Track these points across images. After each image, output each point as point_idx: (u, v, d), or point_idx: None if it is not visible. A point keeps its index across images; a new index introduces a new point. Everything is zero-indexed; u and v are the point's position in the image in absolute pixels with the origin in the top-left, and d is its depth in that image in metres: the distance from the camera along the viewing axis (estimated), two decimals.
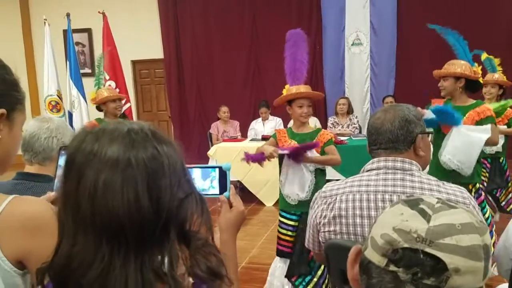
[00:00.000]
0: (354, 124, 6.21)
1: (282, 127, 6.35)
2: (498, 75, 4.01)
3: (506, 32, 6.95)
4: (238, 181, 5.48)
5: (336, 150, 2.85)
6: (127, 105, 6.31)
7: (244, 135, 6.55)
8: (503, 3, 6.92)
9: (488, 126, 2.80)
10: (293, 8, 7.76)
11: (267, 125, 6.43)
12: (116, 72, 6.24)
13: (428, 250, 0.61)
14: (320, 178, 2.85)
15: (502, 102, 3.69)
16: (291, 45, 3.06)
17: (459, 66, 2.94)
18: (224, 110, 6.44)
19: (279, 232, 2.91)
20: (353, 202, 1.41)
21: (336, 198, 1.45)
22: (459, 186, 1.43)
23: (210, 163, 5.61)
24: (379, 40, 7.41)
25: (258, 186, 5.36)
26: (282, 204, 2.94)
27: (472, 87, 2.97)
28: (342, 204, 1.42)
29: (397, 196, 1.37)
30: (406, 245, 0.62)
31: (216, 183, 1.02)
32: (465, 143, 2.75)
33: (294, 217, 2.82)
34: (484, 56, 4.10)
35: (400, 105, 1.52)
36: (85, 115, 6.02)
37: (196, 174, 1.02)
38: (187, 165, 0.99)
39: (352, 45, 7.55)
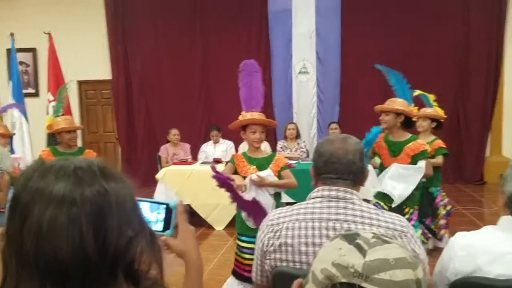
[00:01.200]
0: (302, 148, 6.38)
1: (233, 150, 6.41)
2: (430, 110, 4.26)
3: (446, 70, 7.50)
4: (188, 205, 5.43)
5: (291, 174, 3.01)
6: None
7: (195, 157, 6.52)
8: (443, 42, 7.47)
9: (423, 162, 3.14)
10: (242, 35, 7.94)
11: (218, 148, 6.45)
12: None
13: (364, 285, 0.63)
14: (278, 201, 3.01)
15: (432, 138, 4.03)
16: (245, 74, 3.24)
17: (399, 104, 3.27)
18: (174, 133, 6.39)
19: (238, 255, 2.96)
20: (299, 230, 1.46)
21: (282, 226, 1.49)
22: (398, 215, 1.52)
23: (159, 187, 5.53)
24: (324, 69, 7.75)
25: (208, 210, 5.32)
26: (240, 228, 3.00)
27: (408, 123, 3.31)
28: (288, 232, 1.47)
29: (339, 224, 1.44)
30: (344, 280, 0.64)
31: (161, 219, 0.99)
32: (401, 182, 3.12)
33: (254, 240, 2.85)
34: (417, 92, 4.41)
35: (351, 137, 1.60)
36: (26, 137, 5.76)
37: (141, 207, 0.98)
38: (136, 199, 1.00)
39: (299, 73, 7.83)
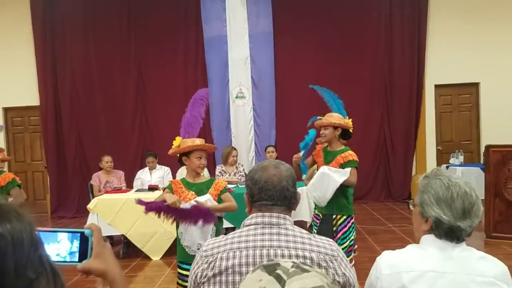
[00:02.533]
0: (241, 172, 6.41)
1: (170, 176, 6.30)
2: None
3: (373, 94, 7.97)
4: (122, 235, 5.23)
5: (231, 197, 2.99)
6: None
7: (130, 185, 6.32)
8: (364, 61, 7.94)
9: (349, 169, 3.39)
10: (179, 60, 7.96)
11: (154, 174, 6.30)
12: None
13: None
14: (219, 224, 3.00)
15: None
16: (193, 102, 3.25)
17: (336, 118, 3.57)
18: (106, 160, 6.17)
19: (180, 285, 2.91)
20: (233, 259, 1.45)
21: (217, 257, 1.47)
22: (329, 239, 1.56)
23: (90, 218, 5.27)
24: (260, 93, 7.93)
25: (144, 240, 5.14)
26: (181, 256, 2.94)
27: (345, 135, 3.59)
28: (223, 262, 1.45)
29: (273, 250, 1.45)
30: None
31: (76, 250, 0.96)
32: (324, 181, 3.37)
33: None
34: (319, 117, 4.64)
35: (283, 163, 1.62)
36: None
37: (53, 239, 0.94)
38: (44, 229, 0.93)
39: (236, 97, 7.94)
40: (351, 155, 3.45)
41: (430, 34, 7.89)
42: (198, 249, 2.80)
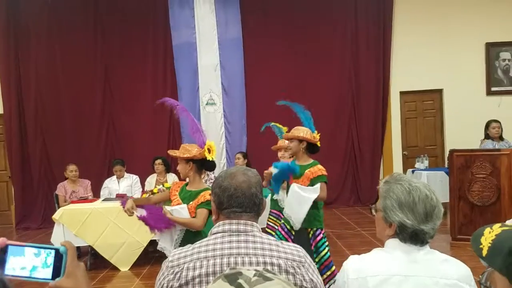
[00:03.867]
0: (212, 179, 6.35)
1: (139, 184, 6.20)
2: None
3: (340, 100, 8.11)
4: (90, 246, 5.09)
5: (204, 215, 2.86)
6: None
7: (97, 194, 6.16)
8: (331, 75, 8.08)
9: (318, 185, 3.39)
10: (147, 67, 7.87)
11: (122, 183, 6.17)
12: None
13: None
14: (191, 237, 2.86)
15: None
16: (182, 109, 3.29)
17: (302, 131, 3.56)
18: (71, 169, 6.01)
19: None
20: (200, 269, 1.42)
21: (183, 267, 1.44)
22: (296, 245, 1.57)
23: (56, 228, 5.10)
24: (230, 100, 7.93)
25: (112, 250, 5.00)
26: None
27: (312, 149, 3.59)
28: (189, 272, 1.42)
29: (241, 258, 1.44)
30: None
31: (49, 266, 0.93)
32: (297, 201, 3.37)
33: None
34: (272, 124, 4.69)
35: (250, 169, 1.62)
36: None
37: (28, 252, 0.92)
38: (17, 243, 0.92)
39: (206, 104, 7.91)
40: (320, 170, 3.46)
41: (395, 42, 8.10)
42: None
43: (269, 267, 1.43)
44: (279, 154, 4.95)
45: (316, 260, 3.37)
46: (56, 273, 0.93)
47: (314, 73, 7.96)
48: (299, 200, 3.35)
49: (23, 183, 7.81)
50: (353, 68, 8.12)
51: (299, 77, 7.89)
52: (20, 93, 7.78)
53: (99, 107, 7.87)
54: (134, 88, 7.77)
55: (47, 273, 0.93)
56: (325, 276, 3.37)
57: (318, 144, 3.65)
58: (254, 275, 0.71)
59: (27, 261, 0.92)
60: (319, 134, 3.73)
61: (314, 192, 3.36)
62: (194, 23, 7.77)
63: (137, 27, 7.82)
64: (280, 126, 5.14)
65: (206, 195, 2.88)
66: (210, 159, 2.99)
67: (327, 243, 3.52)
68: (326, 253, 3.45)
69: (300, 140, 3.53)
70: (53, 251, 0.94)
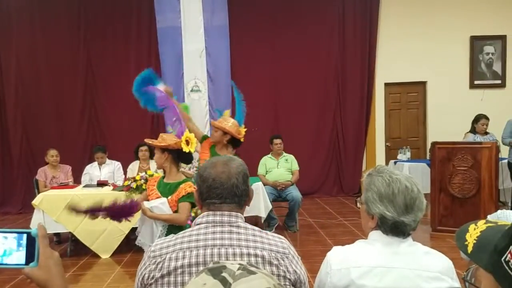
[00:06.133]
0: (197, 167, 6.32)
1: (121, 171, 6.13)
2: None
3: (326, 91, 8.09)
4: (70, 232, 5.02)
5: (187, 209, 2.76)
6: None
7: (77, 180, 6.07)
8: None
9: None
10: (131, 51, 7.73)
11: (104, 169, 6.08)
12: None
13: None
14: (176, 231, 2.74)
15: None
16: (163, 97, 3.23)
17: (230, 124, 3.57)
18: (52, 154, 5.90)
19: None
20: (183, 259, 1.40)
21: (165, 257, 1.42)
22: (280, 236, 1.56)
23: (35, 214, 5.02)
24: (215, 87, 7.85)
25: (93, 237, 4.94)
26: None
27: (235, 143, 3.64)
28: (172, 263, 1.40)
29: (224, 249, 1.43)
30: None
31: (22, 251, 0.89)
32: None
33: None
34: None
35: (235, 158, 1.58)
36: None
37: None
38: None
39: (191, 91, 7.82)
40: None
41: (381, 34, 8.12)
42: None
43: (252, 259, 1.42)
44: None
45: None
46: (30, 258, 0.89)
47: (300, 63, 7.93)
48: None
49: (3, 167, 7.68)
50: (340, 58, 8.11)
51: (286, 67, 7.87)
52: (0, 77, 7.58)
53: (81, 92, 7.74)
54: (117, 73, 7.62)
55: (20, 258, 0.89)
56: None
57: (242, 140, 3.65)
58: (238, 269, 0.70)
59: None
60: (245, 129, 3.74)
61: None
62: (179, 7, 7.62)
63: (121, 9, 7.66)
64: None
65: (187, 188, 2.79)
66: (187, 151, 2.90)
67: None
68: None
69: (224, 132, 3.53)
70: (24, 235, 0.90)
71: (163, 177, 2.96)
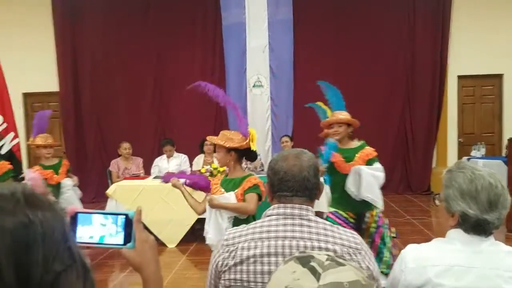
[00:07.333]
0: (258, 161, 6.39)
1: (188, 164, 6.32)
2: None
3: (393, 85, 7.84)
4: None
5: (255, 199, 2.72)
6: (16, 140, 5.82)
7: (148, 172, 6.36)
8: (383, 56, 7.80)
9: (379, 164, 3.34)
10: (196, 48, 7.93)
11: (171, 162, 6.32)
12: (3, 105, 5.75)
13: None
14: (243, 222, 2.70)
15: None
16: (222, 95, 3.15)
17: (348, 115, 3.48)
18: (125, 147, 6.22)
19: None
20: (255, 249, 1.43)
21: (238, 246, 1.45)
22: (352, 232, 1.53)
23: (109, 203, 5.34)
24: (278, 82, 7.86)
25: (161, 227, 5.16)
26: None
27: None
28: (244, 252, 1.44)
29: (296, 241, 1.43)
30: None
31: (120, 232, 0.92)
32: (375, 181, 3.26)
33: None
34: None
35: (306, 151, 1.58)
36: None
37: (96, 220, 0.92)
38: (86, 210, 0.94)
39: (253, 86, 7.89)
40: (373, 151, 3.40)
41: (454, 25, 7.71)
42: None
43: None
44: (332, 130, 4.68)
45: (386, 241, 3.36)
46: (127, 239, 0.93)
47: (366, 56, 7.71)
48: (376, 180, 3.28)
49: (78, 158, 8.16)
50: (409, 49, 7.79)
51: (351, 59, 7.68)
52: (76, 72, 8.08)
53: (150, 87, 8.05)
54: (182, 70, 7.86)
55: (118, 239, 0.93)
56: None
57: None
58: (327, 259, 0.70)
59: (95, 228, 0.92)
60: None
61: (381, 171, 3.32)
62: (244, 2, 7.70)
63: (188, 6, 7.85)
64: (325, 107, 4.88)
65: (252, 180, 2.77)
66: (254, 150, 2.86)
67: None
68: (390, 235, 3.44)
69: (348, 125, 3.45)
70: (122, 216, 0.93)
71: (226, 175, 2.95)
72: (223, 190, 2.84)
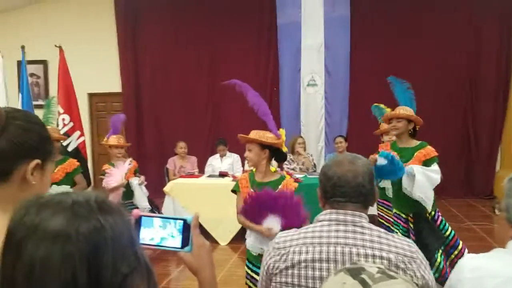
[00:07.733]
0: (310, 162, 6.34)
1: (239, 163, 6.40)
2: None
3: (455, 84, 7.49)
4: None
5: None
6: (81, 139, 6.18)
7: (202, 171, 6.52)
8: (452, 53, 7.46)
9: (436, 166, 3.20)
10: (251, 47, 7.98)
11: (224, 161, 6.45)
12: (71, 105, 6.13)
13: None
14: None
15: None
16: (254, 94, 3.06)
17: (410, 111, 3.33)
18: (181, 146, 6.42)
19: (248, 285, 2.80)
20: (306, 254, 1.43)
21: (289, 250, 1.46)
22: (408, 239, 1.50)
23: (166, 200, 5.53)
24: (333, 82, 7.74)
25: (213, 224, 5.28)
26: (248, 254, 2.82)
27: (414, 132, 3.38)
28: (295, 256, 1.44)
29: (348, 248, 1.41)
30: None
31: (178, 236, 0.97)
32: (428, 182, 3.14)
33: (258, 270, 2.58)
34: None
35: (360, 157, 1.55)
36: None
37: (157, 224, 0.98)
38: (150, 214, 0.99)
39: (307, 85, 7.83)
40: (432, 151, 3.25)
41: None
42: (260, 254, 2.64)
43: (377, 260, 1.39)
44: (386, 138, 4.68)
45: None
46: (185, 242, 0.97)
47: (426, 54, 7.38)
48: (429, 181, 3.15)
49: (138, 156, 8.47)
50: (473, 49, 7.39)
51: (411, 59, 7.36)
52: (137, 73, 8.41)
53: (205, 87, 8.18)
54: (236, 71, 7.93)
55: (176, 242, 0.98)
56: (453, 256, 3.27)
57: (417, 127, 3.42)
58: (378, 272, 0.69)
59: (156, 230, 0.98)
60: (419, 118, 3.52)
61: (437, 173, 3.18)
62: (300, 1, 7.66)
63: (243, 6, 7.89)
64: (383, 106, 4.82)
65: (288, 186, 2.67)
66: (285, 151, 2.79)
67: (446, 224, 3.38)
68: (451, 232, 3.33)
69: (409, 121, 3.30)
70: (181, 221, 0.98)
71: (252, 175, 2.82)
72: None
